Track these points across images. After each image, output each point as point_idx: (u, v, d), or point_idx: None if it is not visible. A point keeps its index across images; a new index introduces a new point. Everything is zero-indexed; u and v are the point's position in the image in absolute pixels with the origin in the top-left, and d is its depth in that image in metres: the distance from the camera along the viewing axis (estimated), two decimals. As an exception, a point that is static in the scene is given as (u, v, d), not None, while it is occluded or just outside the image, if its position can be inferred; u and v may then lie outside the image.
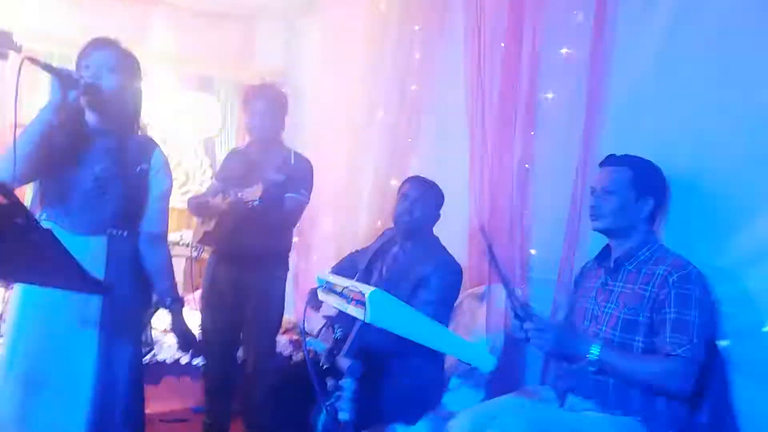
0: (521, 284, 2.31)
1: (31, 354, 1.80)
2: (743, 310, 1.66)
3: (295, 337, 3.82)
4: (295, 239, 4.12)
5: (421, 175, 2.51)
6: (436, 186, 2.46)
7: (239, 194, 2.54)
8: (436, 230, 2.49)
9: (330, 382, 1.59)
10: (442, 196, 2.44)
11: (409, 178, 2.53)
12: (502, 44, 2.46)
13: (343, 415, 1.49)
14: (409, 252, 2.37)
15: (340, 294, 1.59)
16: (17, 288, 1.89)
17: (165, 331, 2.97)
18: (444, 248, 2.38)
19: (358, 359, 1.53)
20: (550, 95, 2.27)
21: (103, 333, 1.83)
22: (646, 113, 1.99)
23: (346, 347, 1.56)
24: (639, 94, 2.01)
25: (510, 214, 2.33)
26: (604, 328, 1.77)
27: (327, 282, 1.69)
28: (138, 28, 4.86)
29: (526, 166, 2.29)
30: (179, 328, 2.04)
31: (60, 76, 1.73)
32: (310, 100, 4.58)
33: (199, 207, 2.84)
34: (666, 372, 1.61)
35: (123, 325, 1.90)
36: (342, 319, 1.88)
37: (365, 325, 1.53)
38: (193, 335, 2.07)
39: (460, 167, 2.66)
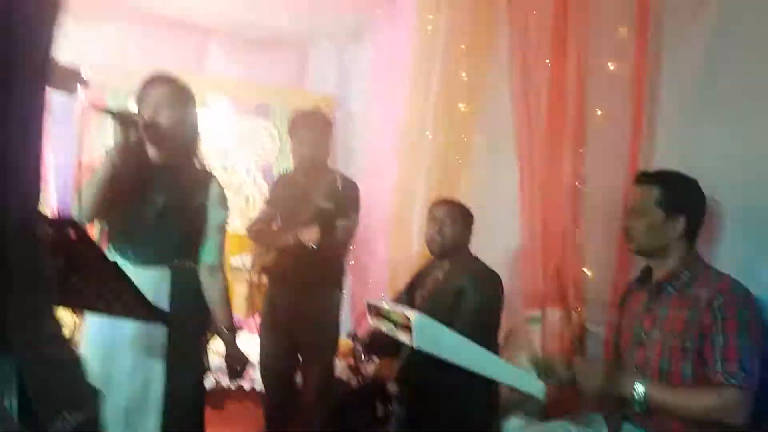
0: (577, 306, 2.26)
1: (99, 380, 1.90)
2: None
3: (352, 363, 3.85)
4: (351, 262, 4.19)
5: (457, 198, 2.57)
6: (463, 206, 2.49)
7: (298, 235, 2.63)
8: (487, 249, 2.49)
9: (380, 408, 1.60)
10: (470, 215, 2.47)
11: (436, 201, 2.57)
12: (547, 61, 2.44)
13: (396, 438, 1.51)
14: (447, 271, 2.40)
15: (389, 319, 1.61)
16: (87, 318, 2.01)
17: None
18: (482, 263, 2.38)
19: (407, 384, 1.54)
20: (598, 111, 2.23)
21: (168, 361, 1.91)
22: (696, 127, 1.92)
23: (394, 374, 1.57)
24: (687, 108, 1.94)
25: (562, 234, 2.30)
26: (651, 355, 1.69)
27: (375, 307, 1.72)
28: (195, 57, 5.10)
29: (577, 184, 2.26)
30: (231, 356, 2.07)
31: (120, 119, 1.85)
32: (362, 124, 4.68)
33: (259, 236, 2.93)
34: (718, 405, 1.51)
35: (186, 353, 1.98)
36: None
37: (414, 351, 1.54)
38: (245, 364, 2.09)
39: (511, 187, 2.65)
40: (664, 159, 1.96)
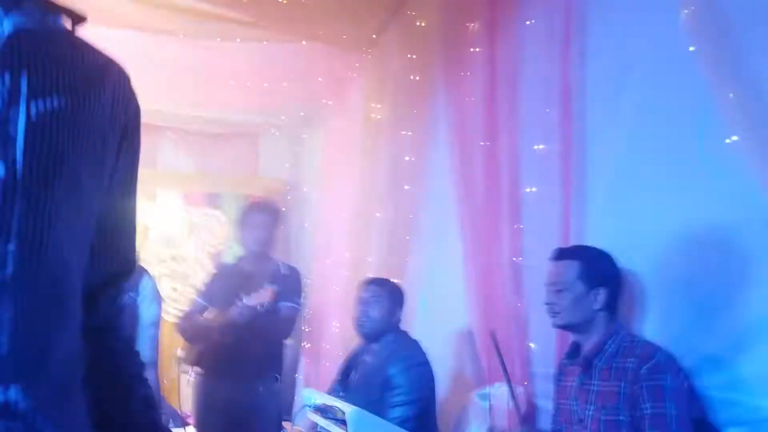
0: (524, 380, 2.26)
1: None
2: (740, 396, 1.60)
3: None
4: (306, 344, 4.12)
5: (382, 277, 2.61)
6: (390, 283, 2.50)
7: (244, 301, 2.59)
8: (437, 327, 2.49)
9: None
10: (399, 292, 2.46)
11: (363, 281, 2.57)
12: (482, 143, 2.56)
13: None
14: (376, 354, 2.36)
15: (326, 413, 1.58)
16: None
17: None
18: (412, 343, 2.36)
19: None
20: (533, 189, 2.32)
21: None
22: (624, 201, 2.01)
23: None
24: (614, 183, 2.05)
25: (506, 309, 2.32)
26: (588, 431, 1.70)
27: (314, 402, 1.68)
28: (149, 153, 5.15)
29: (515, 259, 2.31)
30: None
31: None
32: (314, 207, 4.74)
33: (192, 328, 2.87)
34: None
35: None
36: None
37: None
38: None
39: (458, 264, 2.69)
40: (596, 233, 2.03)
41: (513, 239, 2.33)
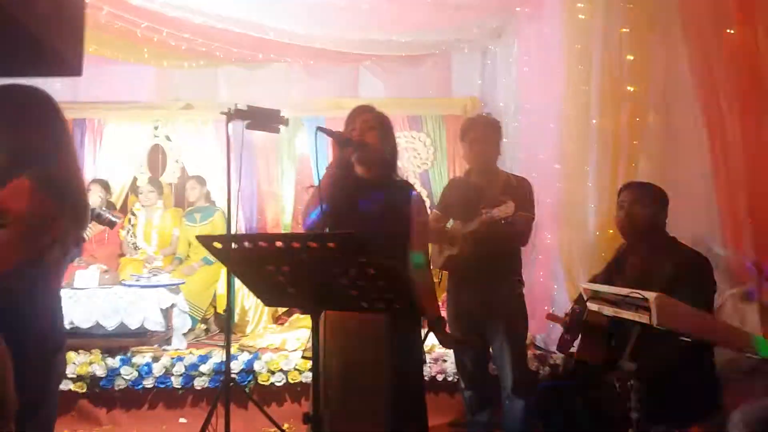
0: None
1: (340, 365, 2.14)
2: None
3: (537, 351, 3.92)
4: (539, 256, 4.23)
5: (645, 180, 2.52)
6: (653, 187, 2.43)
7: (490, 213, 2.74)
8: (683, 230, 2.44)
9: (618, 383, 1.67)
10: (662, 194, 2.40)
11: (622, 185, 2.53)
12: (730, 30, 2.37)
13: (635, 415, 1.57)
14: (647, 257, 2.36)
15: (614, 301, 1.68)
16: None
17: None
18: (683, 246, 2.32)
19: (642, 361, 1.60)
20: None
21: (395, 349, 2.13)
22: None
23: (627, 352, 1.64)
24: None
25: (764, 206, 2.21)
26: None
27: (596, 292, 1.79)
28: (349, 84, 5.49)
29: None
30: (446, 340, 2.32)
31: (340, 140, 2.12)
32: (513, 121, 4.73)
33: (438, 235, 3.11)
34: None
35: (409, 342, 2.22)
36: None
37: (644, 329, 1.60)
38: (459, 339, 2.42)
39: (697, 162, 2.59)
40: None
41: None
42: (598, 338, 2.09)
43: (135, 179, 5.57)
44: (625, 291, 1.52)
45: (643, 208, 2.38)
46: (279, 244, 1.51)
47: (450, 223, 3.19)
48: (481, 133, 3.01)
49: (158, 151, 5.66)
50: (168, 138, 5.64)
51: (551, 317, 2.58)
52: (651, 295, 1.43)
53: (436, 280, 3.44)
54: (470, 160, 3.09)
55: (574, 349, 2.50)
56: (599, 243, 3.49)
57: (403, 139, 5.19)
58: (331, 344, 2.14)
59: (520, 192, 2.95)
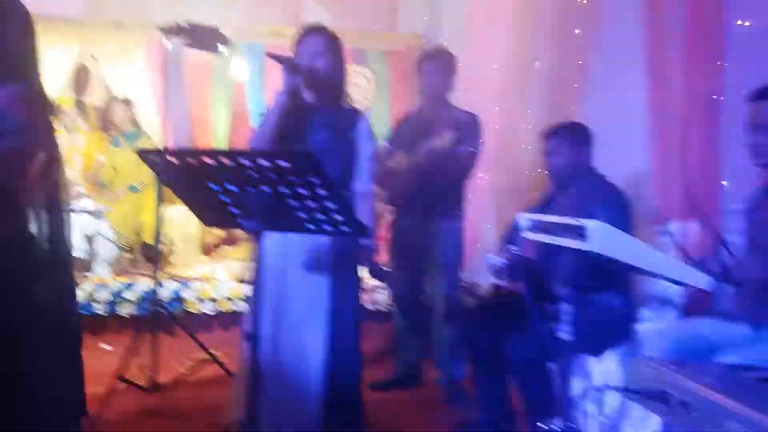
0: (714, 216, 2.31)
1: (277, 288, 2.12)
2: None
3: (463, 283, 4.05)
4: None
5: (580, 122, 2.56)
6: (577, 127, 2.47)
7: (427, 145, 2.75)
8: (613, 170, 2.52)
9: (548, 306, 1.76)
10: (586, 135, 2.43)
11: (548, 129, 2.53)
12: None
13: (566, 336, 1.66)
14: (573, 196, 2.42)
15: (550, 230, 1.74)
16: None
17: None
18: (609, 184, 2.39)
19: (573, 286, 1.68)
20: (746, 23, 2.19)
21: (334, 279, 2.15)
22: None
23: (560, 277, 1.71)
24: None
25: (699, 147, 2.32)
26: None
27: (533, 221, 1.84)
28: (291, 12, 5.27)
29: (715, 97, 2.26)
30: (375, 270, 2.36)
31: (289, 65, 2.04)
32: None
33: (380, 171, 3.10)
34: None
35: (348, 272, 2.22)
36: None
37: (577, 257, 1.68)
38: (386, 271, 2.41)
39: (639, 107, 2.67)
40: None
41: (713, 77, 2.26)
42: (537, 275, 2.16)
43: (57, 101, 5.19)
44: (564, 219, 1.58)
45: (569, 152, 2.41)
46: (225, 160, 1.45)
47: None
48: (434, 66, 3.01)
49: (83, 71, 5.28)
50: (94, 58, 5.25)
51: (491, 260, 2.63)
52: (590, 223, 1.49)
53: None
54: (422, 92, 3.08)
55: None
56: (532, 185, 3.59)
57: (345, 72, 5.07)
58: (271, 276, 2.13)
59: (468, 127, 2.97)
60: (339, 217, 1.51)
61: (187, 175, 1.55)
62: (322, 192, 1.43)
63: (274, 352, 2.10)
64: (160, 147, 2.89)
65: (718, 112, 2.27)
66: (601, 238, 1.48)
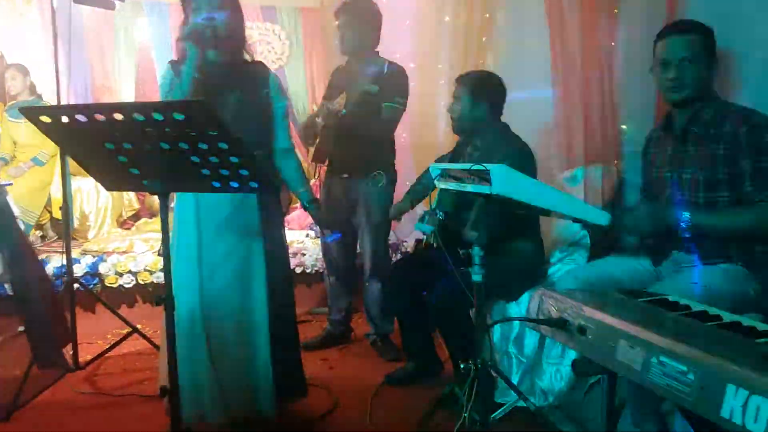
0: (615, 160, 2.43)
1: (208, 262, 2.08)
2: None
3: (390, 241, 4.11)
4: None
5: (488, 72, 2.60)
6: (480, 77, 2.51)
7: (327, 107, 2.72)
8: (522, 120, 2.60)
9: (461, 251, 1.81)
10: (489, 85, 2.48)
11: (455, 80, 2.56)
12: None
13: (476, 277, 1.72)
14: (480, 148, 2.47)
15: (458, 178, 1.78)
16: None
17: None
18: (513, 136, 2.45)
19: (481, 231, 1.73)
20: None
21: (263, 226, 2.13)
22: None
23: (470, 222, 1.76)
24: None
25: (600, 93, 2.42)
26: (687, 193, 1.85)
27: (443, 170, 1.88)
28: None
29: (612, 44, 2.35)
30: (320, 221, 2.49)
31: (193, 37, 1.96)
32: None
33: (303, 129, 3.07)
34: (755, 219, 1.72)
35: (276, 231, 2.22)
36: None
37: (485, 201, 1.73)
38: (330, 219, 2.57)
39: (542, 58, 2.74)
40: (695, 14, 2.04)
41: (609, 26, 2.35)
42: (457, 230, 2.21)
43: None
44: (468, 165, 1.61)
45: (472, 101, 2.45)
46: (118, 116, 1.38)
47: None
48: (351, 18, 2.92)
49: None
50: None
51: (420, 228, 2.67)
52: (491, 166, 1.54)
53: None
54: (340, 45, 3.01)
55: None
56: (448, 140, 3.65)
57: (256, 31, 4.91)
58: (206, 234, 2.09)
59: (392, 81, 2.93)
60: (244, 172, 1.48)
61: (80, 135, 1.47)
62: (222, 146, 1.39)
63: (207, 316, 2.07)
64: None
65: (613, 58, 2.37)
66: (502, 180, 1.53)
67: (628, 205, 2.29)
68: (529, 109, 2.87)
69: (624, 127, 2.43)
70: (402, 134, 4.31)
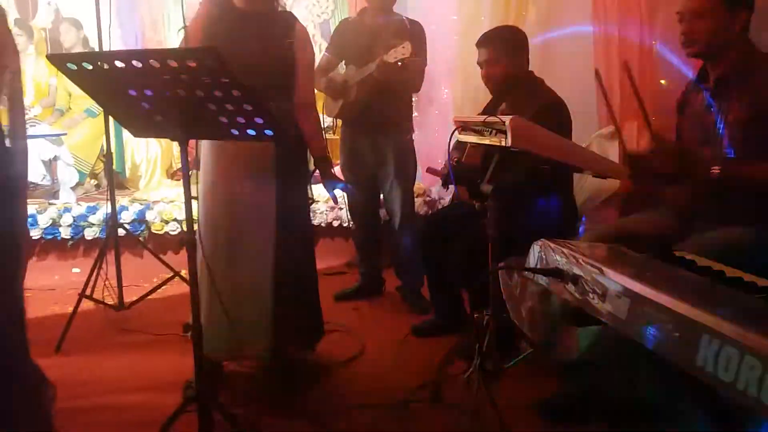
0: (653, 116, 2.34)
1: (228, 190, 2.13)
2: None
3: (428, 198, 4.13)
4: (414, 114, 4.30)
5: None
6: (507, 32, 2.44)
7: (386, 56, 2.69)
8: (561, 74, 2.53)
9: (477, 205, 1.81)
10: (516, 39, 2.41)
11: (478, 40, 2.48)
12: None
13: (490, 230, 1.72)
14: (512, 102, 2.42)
15: (478, 130, 1.76)
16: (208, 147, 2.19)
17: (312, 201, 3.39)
18: (544, 90, 2.39)
19: (498, 185, 1.72)
20: None
21: (278, 178, 2.14)
22: None
23: (487, 176, 1.75)
24: None
25: (639, 47, 2.32)
26: (719, 149, 1.78)
27: (463, 122, 1.87)
28: None
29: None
30: (329, 181, 2.31)
31: None
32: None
33: (330, 84, 3.05)
34: None
35: (295, 180, 2.23)
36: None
37: (503, 154, 1.71)
38: (341, 181, 2.39)
39: (583, 10, 2.64)
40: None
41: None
42: (471, 179, 2.20)
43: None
44: (483, 117, 1.60)
45: (499, 60, 2.39)
46: (137, 63, 1.43)
47: (342, 68, 3.14)
48: None
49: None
50: (37, -25, 5.01)
51: (431, 171, 2.66)
52: (507, 118, 1.52)
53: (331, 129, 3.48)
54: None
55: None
56: (489, 95, 3.58)
57: (301, -16, 4.90)
58: (221, 187, 2.13)
59: (415, 36, 2.91)
60: (259, 120, 1.52)
61: (106, 82, 1.53)
62: (236, 93, 1.43)
63: (228, 259, 2.13)
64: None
65: (654, 11, 2.26)
66: (516, 132, 1.51)
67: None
68: (569, 62, 2.79)
69: (663, 81, 2.33)
70: (444, 90, 4.27)
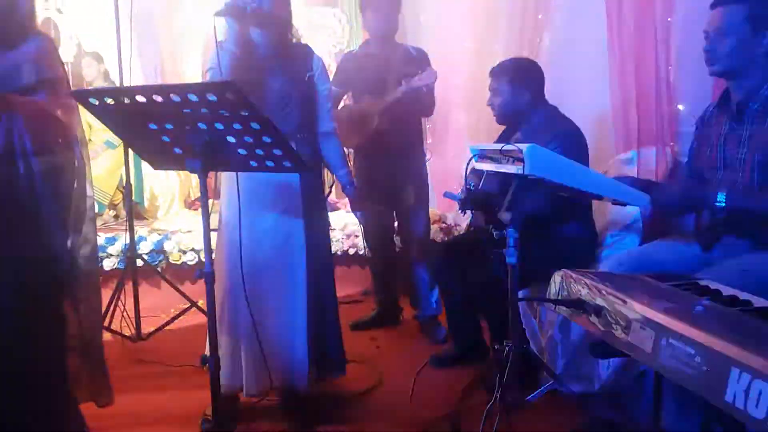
0: (671, 141, 2.33)
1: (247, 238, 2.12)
2: None
3: (443, 225, 4.11)
4: (429, 140, 4.32)
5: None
6: (520, 64, 2.46)
7: (410, 83, 2.75)
8: (577, 101, 2.52)
9: (495, 233, 1.79)
10: (529, 72, 2.42)
11: (490, 71, 2.51)
12: None
13: (510, 259, 1.70)
14: (526, 133, 2.41)
15: (494, 158, 1.76)
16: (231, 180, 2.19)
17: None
18: (560, 117, 2.39)
19: (517, 212, 1.71)
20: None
21: (305, 207, 2.17)
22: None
23: (505, 203, 1.74)
24: None
25: (655, 70, 2.32)
26: (740, 174, 1.76)
27: (480, 150, 1.87)
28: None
29: (669, 19, 2.24)
30: (356, 204, 2.42)
31: (232, 12, 1.99)
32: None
33: (349, 116, 3.08)
34: None
35: (316, 210, 2.25)
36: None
37: (521, 181, 1.70)
38: (365, 203, 2.52)
39: (597, 35, 2.64)
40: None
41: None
42: (489, 204, 2.19)
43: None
44: (500, 145, 1.60)
45: (511, 90, 2.40)
46: (158, 98, 1.46)
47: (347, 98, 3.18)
48: (383, 2, 2.95)
49: (49, 25, 5.16)
50: (59, 11, 5.14)
51: (448, 195, 2.65)
52: (524, 146, 1.52)
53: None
54: (373, 29, 3.04)
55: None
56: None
57: (316, 15, 4.98)
58: (248, 217, 2.08)
59: (423, 61, 2.98)
60: (277, 152, 1.53)
61: (126, 116, 1.56)
62: (255, 126, 1.44)
63: (253, 293, 2.12)
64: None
65: (670, 34, 2.26)
66: (534, 160, 1.50)
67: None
68: (586, 88, 2.79)
69: (680, 107, 2.31)
70: (459, 116, 4.28)
